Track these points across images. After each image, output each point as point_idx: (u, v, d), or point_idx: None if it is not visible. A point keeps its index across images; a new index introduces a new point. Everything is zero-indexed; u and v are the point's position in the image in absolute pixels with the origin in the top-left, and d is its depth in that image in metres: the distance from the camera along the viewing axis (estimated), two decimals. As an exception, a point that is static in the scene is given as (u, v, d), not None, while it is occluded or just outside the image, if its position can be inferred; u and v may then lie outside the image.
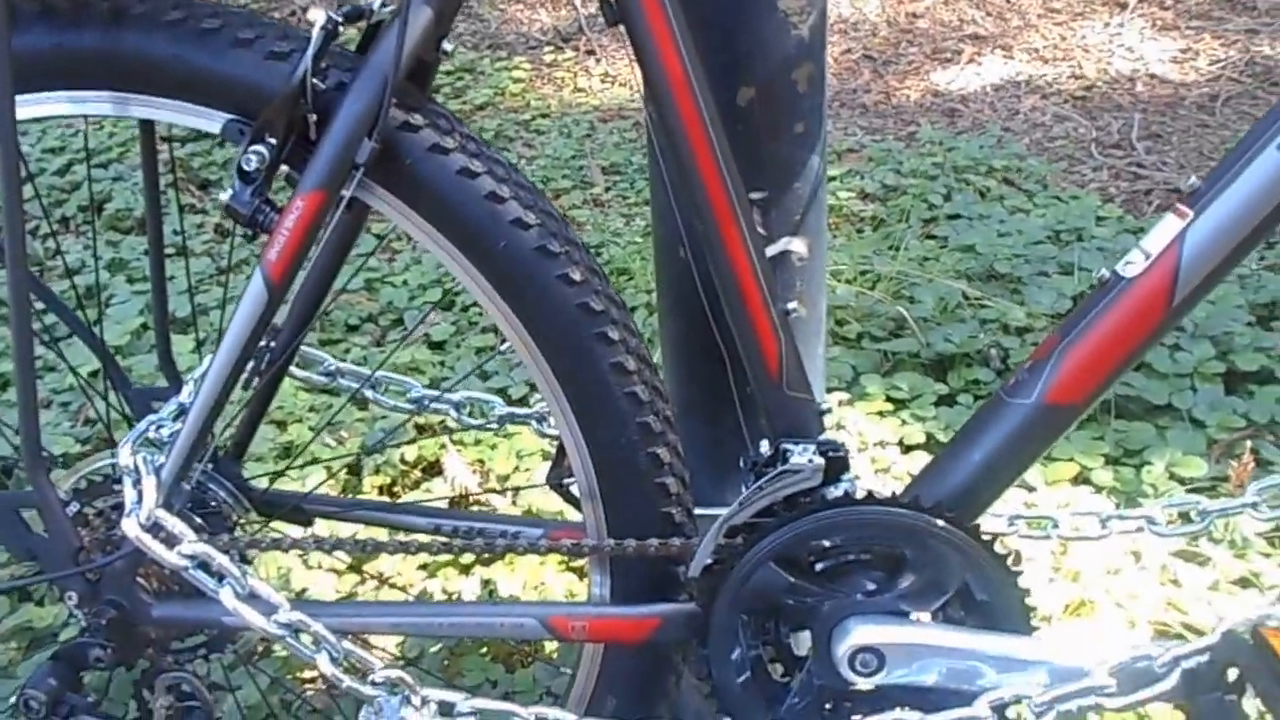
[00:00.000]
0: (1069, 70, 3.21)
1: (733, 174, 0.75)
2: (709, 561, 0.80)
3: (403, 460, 1.53)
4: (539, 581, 1.29)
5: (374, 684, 0.81)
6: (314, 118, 0.72)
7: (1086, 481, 1.37)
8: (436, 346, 1.85)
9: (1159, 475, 1.35)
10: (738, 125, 0.82)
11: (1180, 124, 2.84)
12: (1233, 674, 0.70)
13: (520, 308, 0.78)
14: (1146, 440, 1.43)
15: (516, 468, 1.47)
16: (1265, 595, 1.19)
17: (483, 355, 1.79)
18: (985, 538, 0.78)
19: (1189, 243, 0.73)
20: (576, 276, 0.77)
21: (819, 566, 0.80)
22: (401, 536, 0.94)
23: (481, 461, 1.50)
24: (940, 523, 0.77)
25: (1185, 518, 0.97)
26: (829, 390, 1.54)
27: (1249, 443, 1.36)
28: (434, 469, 1.52)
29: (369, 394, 1.04)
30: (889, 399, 1.53)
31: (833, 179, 2.43)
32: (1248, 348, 1.59)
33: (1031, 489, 1.34)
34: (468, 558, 1.32)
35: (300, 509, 0.98)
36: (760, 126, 0.83)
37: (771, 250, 0.88)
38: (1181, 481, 1.34)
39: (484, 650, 1.24)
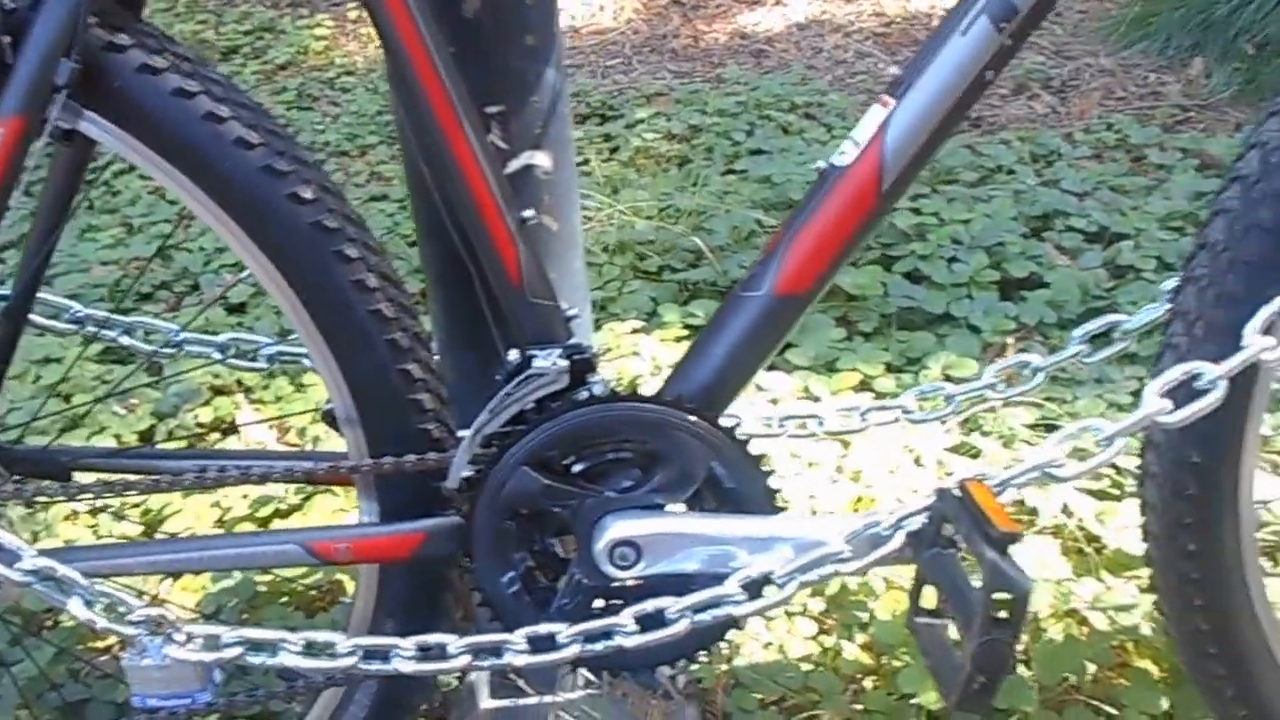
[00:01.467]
0: (870, 8, 3.30)
1: (459, 87, 0.75)
2: (467, 473, 0.81)
3: (198, 424, 1.49)
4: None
5: (133, 624, 0.79)
6: (7, 39, 0.69)
7: (869, 389, 1.43)
8: (236, 309, 1.80)
9: (935, 377, 1.42)
10: (467, 38, 0.82)
11: (973, 56, 2.96)
12: (949, 529, 0.75)
13: (252, 230, 0.77)
14: (927, 348, 1.50)
15: (315, 419, 1.45)
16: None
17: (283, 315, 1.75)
18: (726, 426, 0.81)
19: (892, 130, 0.77)
20: (307, 195, 0.76)
21: (575, 468, 0.82)
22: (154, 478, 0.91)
23: (280, 417, 1.47)
24: (683, 415, 0.80)
25: (934, 402, 1.03)
26: (629, 321, 1.56)
27: (1009, 340, 1.44)
28: (234, 429, 1.48)
29: (126, 340, 1.01)
30: (685, 325, 1.56)
31: (640, 121, 2.46)
32: (1019, 256, 1.68)
33: (816, 399, 1.39)
34: (265, 511, 1.30)
35: (57, 462, 0.95)
36: (490, 39, 0.83)
37: (514, 164, 0.89)
38: (955, 381, 1.41)
39: (284, 598, 1.23)
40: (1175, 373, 0.76)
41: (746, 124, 2.35)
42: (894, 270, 1.67)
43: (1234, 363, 0.74)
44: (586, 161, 2.27)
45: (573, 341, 0.82)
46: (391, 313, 0.80)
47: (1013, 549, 0.71)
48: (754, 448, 0.82)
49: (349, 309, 0.79)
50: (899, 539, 0.77)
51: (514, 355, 0.82)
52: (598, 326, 1.55)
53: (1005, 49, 0.75)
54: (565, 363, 0.80)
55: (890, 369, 1.46)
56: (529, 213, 0.81)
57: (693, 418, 0.80)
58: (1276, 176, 0.76)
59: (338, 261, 0.78)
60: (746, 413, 1.04)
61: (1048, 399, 1.40)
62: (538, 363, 0.80)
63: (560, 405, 0.80)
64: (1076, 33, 3.05)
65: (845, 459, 1.29)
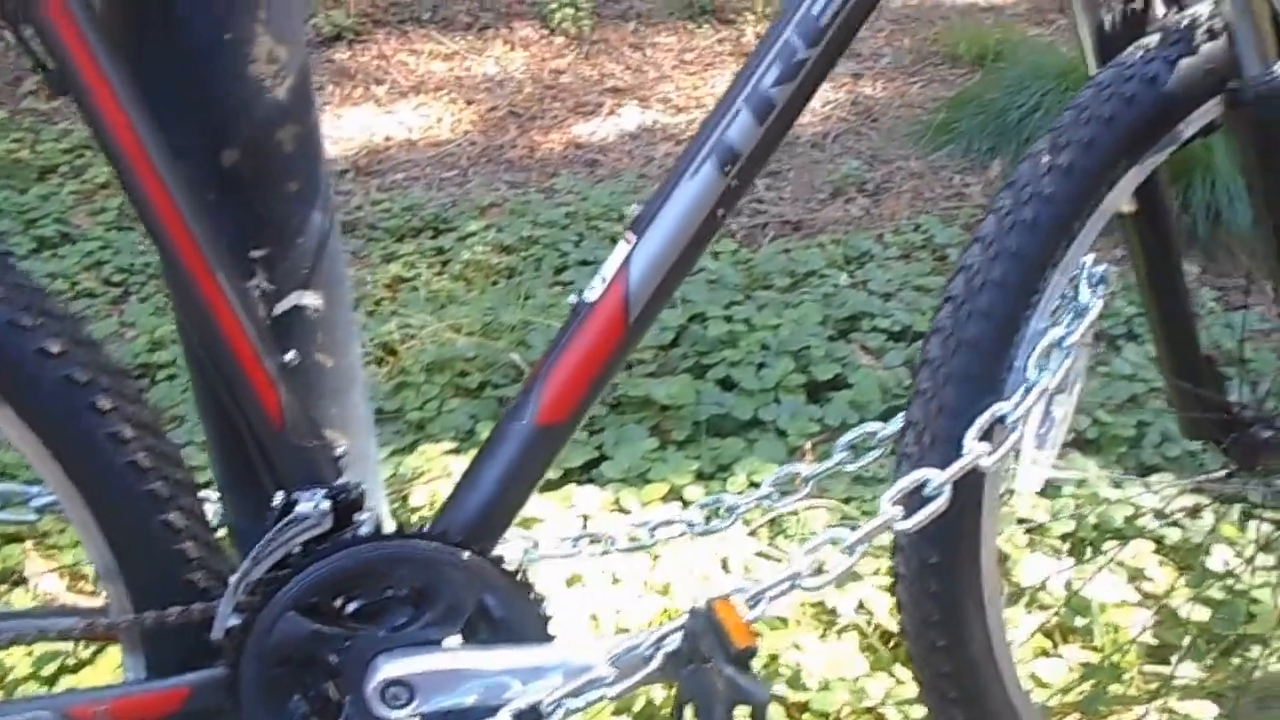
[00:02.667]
0: (700, 116, 3.44)
1: (211, 235, 0.77)
2: (233, 622, 0.81)
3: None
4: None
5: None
6: None
7: (679, 498, 1.47)
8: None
9: (741, 484, 1.46)
10: (226, 185, 0.84)
11: (796, 161, 3.11)
12: (702, 646, 0.78)
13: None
14: (736, 454, 1.55)
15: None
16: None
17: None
18: (494, 557, 0.82)
19: (634, 266, 0.81)
20: (55, 349, 0.76)
21: (347, 608, 0.83)
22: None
23: (75, 563, 1.42)
24: (451, 550, 0.81)
25: (718, 514, 1.07)
26: (445, 441, 1.57)
27: (808, 444, 1.51)
28: (23, 581, 1.42)
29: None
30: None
31: (472, 234, 2.50)
32: (825, 359, 1.76)
33: (626, 511, 1.43)
34: (51, 668, 1.24)
35: None
36: (250, 186, 0.85)
37: (283, 306, 0.90)
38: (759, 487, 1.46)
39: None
40: (906, 481, 0.81)
41: (575, 235, 2.41)
42: (707, 378, 1.73)
43: (955, 469, 0.80)
44: (418, 276, 2.29)
45: (340, 482, 0.83)
46: (150, 463, 0.80)
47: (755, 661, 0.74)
48: (523, 576, 0.84)
49: (103, 461, 0.78)
50: (659, 659, 0.79)
51: (278, 498, 0.82)
52: (413, 448, 1.55)
53: (732, 189, 0.81)
54: (328, 504, 0.81)
55: (700, 477, 1.51)
56: (290, 355, 0.83)
57: (461, 552, 0.82)
58: (980, 297, 0.83)
59: (90, 414, 0.77)
60: (541, 536, 1.07)
61: (849, 498, 1.46)
62: (301, 506, 0.81)
63: (325, 547, 0.81)
64: (890, 137, 3.24)
65: (653, 571, 1.32)
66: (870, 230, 2.56)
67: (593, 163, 3.12)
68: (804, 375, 1.72)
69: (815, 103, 3.41)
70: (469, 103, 3.46)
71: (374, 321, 1.94)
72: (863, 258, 2.31)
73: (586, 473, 1.56)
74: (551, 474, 1.50)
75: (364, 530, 0.83)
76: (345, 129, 3.29)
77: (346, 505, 0.82)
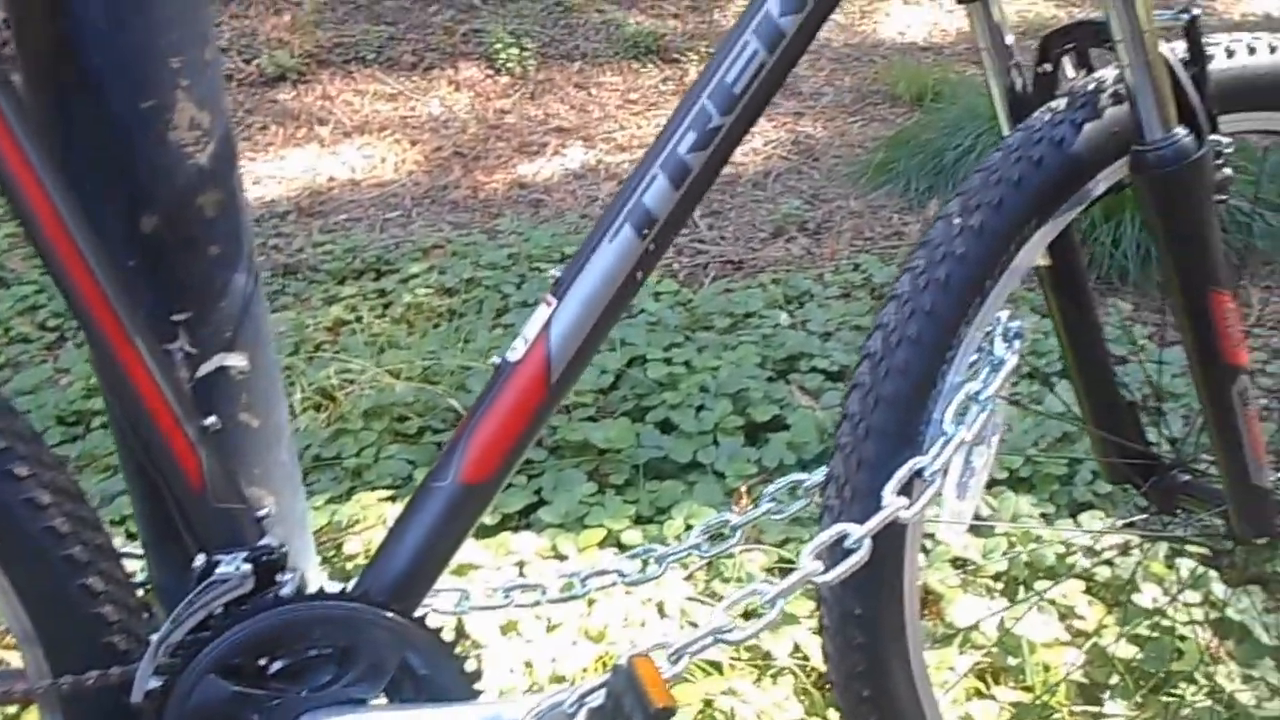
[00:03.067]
0: (642, 154, 3.47)
1: (127, 301, 0.77)
2: (153, 685, 0.80)
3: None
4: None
5: None
6: None
7: (617, 543, 1.47)
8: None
9: (678, 528, 1.47)
10: (146, 251, 0.84)
11: (738, 200, 3.15)
12: (624, 704, 0.79)
13: (-90, 455, 0.75)
14: (675, 497, 1.56)
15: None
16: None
17: None
18: (416, 616, 0.83)
19: (555, 328, 0.82)
20: (-30, 418, 0.76)
21: (270, 669, 0.82)
22: None
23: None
24: (373, 610, 0.81)
25: (649, 564, 1.07)
26: (381, 489, 1.57)
27: (743, 487, 1.52)
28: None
29: None
30: (441, 488, 1.58)
31: (414, 276, 2.49)
32: (763, 400, 1.78)
33: (563, 557, 1.43)
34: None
35: None
36: (171, 251, 0.85)
37: (206, 368, 0.90)
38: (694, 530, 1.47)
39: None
40: (825, 535, 0.82)
41: (517, 276, 2.42)
42: (647, 421, 1.74)
43: (874, 523, 0.82)
44: (359, 319, 2.29)
45: (263, 542, 0.83)
46: (67, 528, 0.79)
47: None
48: (447, 634, 0.84)
49: (20, 527, 0.78)
50: (583, 715, 0.80)
51: (199, 560, 0.82)
52: (349, 495, 1.55)
53: (651, 252, 0.83)
54: (249, 566, 0.81)
55: (639, 521, 1.51)
56: (211, 420, 0.83)
57: (384, 612, 0.82)
58: (897, 354, 0.85)
59: (6, 481, 0.77)
60: (473, 586, 1.07)
61: (786, 539, 1.47)
62: (221, 569, 0.80)
63: (247, 609, 0.81)
64: (831, 176, 3.29)
65: (588, 618, 1.32)
66: (811, 269, 2.59)
67: (537, 203, 3.14)
68: (742, 417, 1.74)
69: (757, 142, 3.50)
70: (413, 143, 3.46)
71: (313, 367, 1.93)
72: (803, 297, 2.34)
73: (525, 517, 1.56)
74: (489, 520, 1.51)
75: (286, 591, 0.82)
76: (288, 170, 3.28)
77: (268, 566, 0.82)
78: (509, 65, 3.89)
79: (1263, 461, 0.94)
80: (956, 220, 0.86)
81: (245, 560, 0.81)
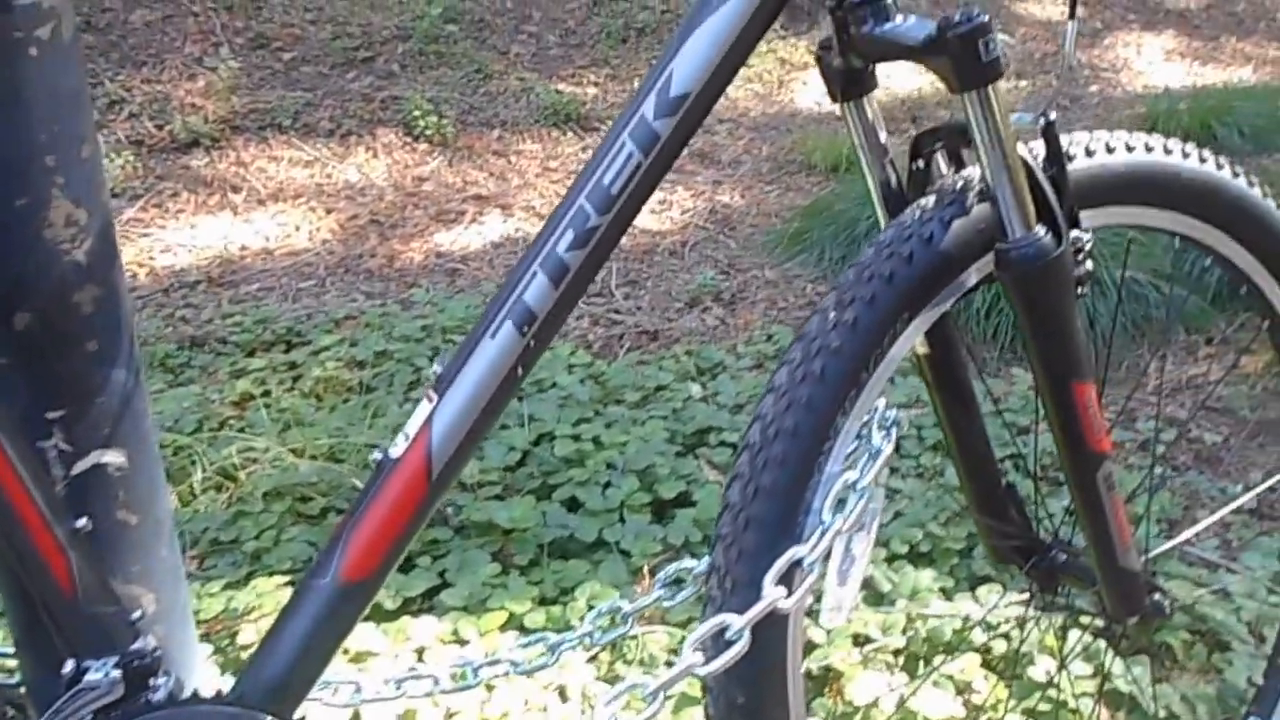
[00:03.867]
0: (562, 226, 3.50)
1: (-4, 401, 0.76)
2: (14, 798, 0.78)
3: None
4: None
5: None
6: None
7: (520, 626, 1.46)
8: None
9: (581, 609, 1.47)
10: (19, 348, 0.83)
11: (655, 270, 3.18)
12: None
13: None
14: (579, 577, 1.56)
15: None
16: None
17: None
18: (295, 718, 0.81)
19: (436, 424, 0.83)
20: None
21: (138, 778, 0.80)
22: None
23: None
24: (250, 714, 0.80)
25: (539, 652, 1.07)
26: (280, 574, 1.54)
27: (647, 567, 1.52)
28: None
29: None
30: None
31: (326, 348, 2.47)
32: (670, 476, 1.79)
33: (464, 642, 1.41)
34: None
35: None
36: (45, 348, 0.84)
37: (81, 465, 0.88)
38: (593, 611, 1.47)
39: None
40: (705, 627, 0.83)
41: (430, 349, 2.41)
42: (553, 499, 1.74)
43: (753, 613, 0.83)
44: (267, 393, 2.26)
45: (135, 647, 0.81)
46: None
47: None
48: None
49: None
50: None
51: (68, 666, 0.80)
52: (247, 581, 1.52)
53: (531, 349, 0.83)
54: (119, 673, 0.79)
55: (542, 602, 1.51)
56: (81, 522, 0.81)
57: (261, 715, 0.80)
58: (774, 446, 0.86)
59: None
60: (366, 678, 1.05)
61: (689, 619, 1.47)
62: (91, 675, 0.78)
63: (117, 715, 0.79)
64: (747, 245, 3.35)
65: (488, 705, 1.30)
66: (724, 340, 2.63)
67: (453, 272, 3.14)
68: (650, 494, 1.74)
69: (675, 211, 3.54)
70: (329, 211, 3.45)
71: (215, 446, 1.90)
72: (715, 368, 2.36)
73: (428, 600, 1.54)
74: (390, 604, 1.49)
75: (159, 696, 0.81)
76: (200, 238, 3.25)
77: (141, 671, 0.80)
78: (428, 132, 3.91)
79: (1128, 545, 0.98)
80: (832, 314, 0.89)
81: (116, 666, 0.79)
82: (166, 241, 3.24)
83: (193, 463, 1.84)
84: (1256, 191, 1.03)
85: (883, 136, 0.97)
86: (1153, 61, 5.63)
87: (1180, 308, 2.58)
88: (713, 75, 0.82)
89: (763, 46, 3.86)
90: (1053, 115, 0.89)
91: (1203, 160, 0.99)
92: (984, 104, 0.84)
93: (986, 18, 0.81)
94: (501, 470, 1.81)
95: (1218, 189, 1.00)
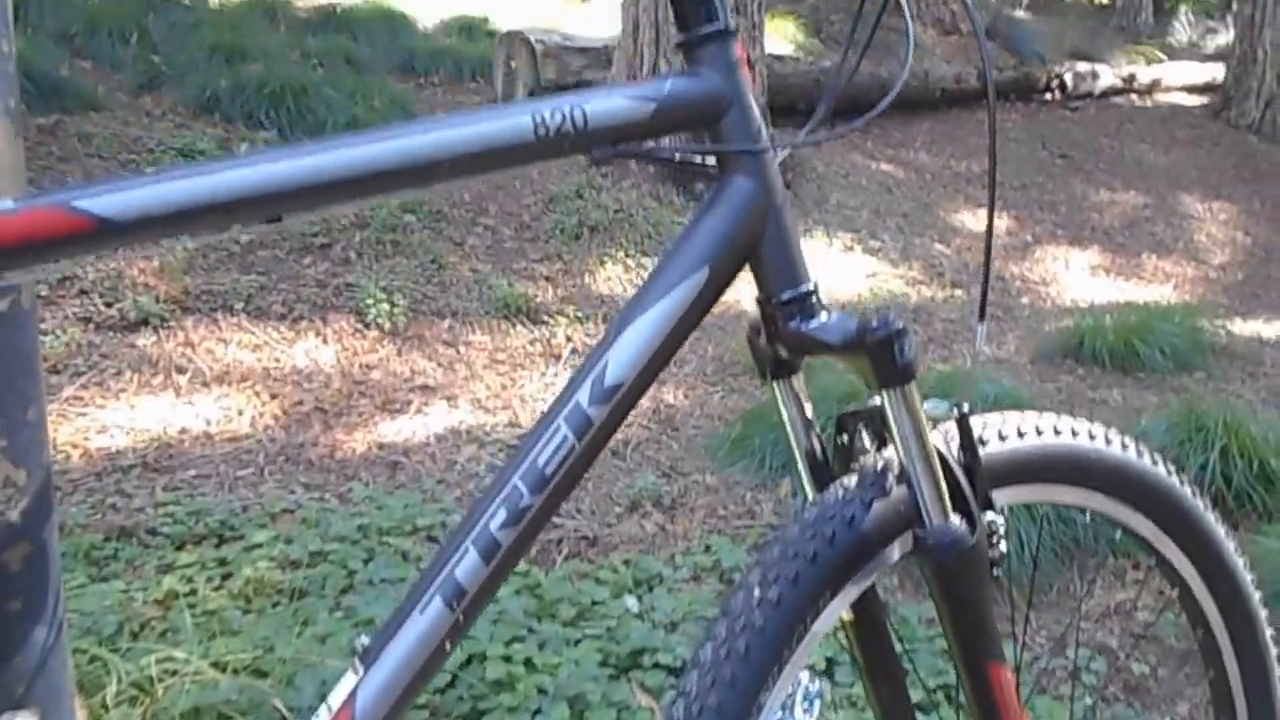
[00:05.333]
0: (507, 419, 3.53)
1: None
2: None
3: None
4: None
5: None
6: None
7: None
8: None
9: None
10: (-61, 609, 0.83)
11: (596, 470, 3.20)
12: None
13: None
14: (500, 812, 1.52)
15: None
16: None
17: None
18: None
19: (360, 697, 0.83)
20: None
21: None
22: None
23: None
24: None
25: None
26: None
27: (570, 810, 1.49)
28: None
29: None
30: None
31: (259, 546, 2.44)
32: (601, 703, 1.76)
33: None
34: None
35: None
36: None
37: (-10, 725, 0.87)
38: None
39: None
40: None
41: (365, 551, 2.39)
42: (482, 725, 1.71)
43: None
44: (194, 592, 2.21)
45: None
46: None
47: None
48: None
49: None
50: None
51: None
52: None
53: (459, 624, 0.85)
54: None
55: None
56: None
57: None
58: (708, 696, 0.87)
59: None
60: None
61: None
62: None
63: None
64: (689, 449, 3.39)
65: None
66: (663, 549, 2.63)
67: (394, 464, 3.14)
68: (578, 721, 1.72)
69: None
70: (274, 396, 3.45)
71: (132, 656, 1.84)
72: (652, 580, 2.36)
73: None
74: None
75: None
76: (139, 420, 3.22)
77: None
78: (379, 320, 3.96)
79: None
80: (756, 592, 0.91)
81: None
82: (104, 422, 3.21)
83: (108, 673, 1.78)
84: (1162, 469, 1.09)
85: (809, 410, 1.02)
86: (1079, 276, 5.93)
87: (1108, 532, 2.64)
88: (646, 366, 0.87)
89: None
90: (965, 407, 0.94)
91: (1108, 441, 1.05)
92: (901, 401, 0.89)
93: (901, 324, 0.87)
94: (430, 693, 1.78)
95: (1125, 467, 1.06)
